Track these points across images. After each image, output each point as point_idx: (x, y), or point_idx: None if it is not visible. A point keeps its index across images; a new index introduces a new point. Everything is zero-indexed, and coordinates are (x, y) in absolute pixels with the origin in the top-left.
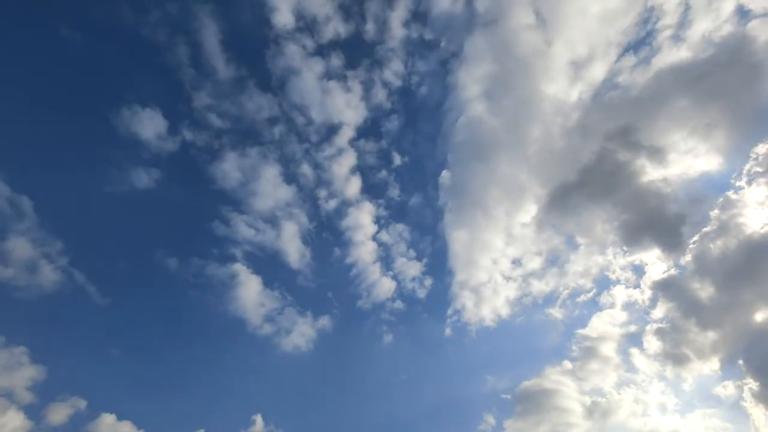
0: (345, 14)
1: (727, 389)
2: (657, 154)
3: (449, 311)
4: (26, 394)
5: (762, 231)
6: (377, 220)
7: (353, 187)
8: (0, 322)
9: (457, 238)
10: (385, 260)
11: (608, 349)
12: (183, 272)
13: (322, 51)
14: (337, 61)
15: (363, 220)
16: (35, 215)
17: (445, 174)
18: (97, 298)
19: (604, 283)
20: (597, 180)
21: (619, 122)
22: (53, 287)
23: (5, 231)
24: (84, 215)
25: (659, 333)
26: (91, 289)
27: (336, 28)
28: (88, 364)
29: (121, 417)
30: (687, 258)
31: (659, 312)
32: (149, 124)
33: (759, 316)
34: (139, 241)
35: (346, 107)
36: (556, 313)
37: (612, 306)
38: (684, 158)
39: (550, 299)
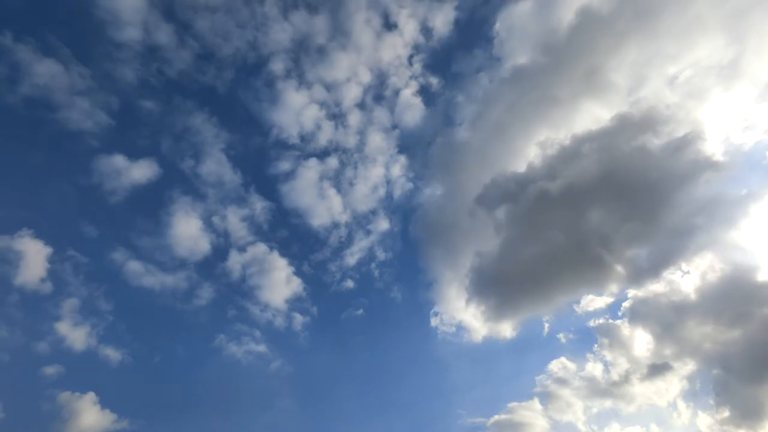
0: (333, 127)
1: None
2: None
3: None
4: None
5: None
6: (368, 313)
7: (348, 284)
8: (88, 382)
9: (438, 318)
10: (378, 349)
11: (568, 388)
12: (227, 354)
13: (315, 157)
14: (328, 166)
15: (357, 313)
16: (109, 307)
17: (423, 267)
18: (158, 367)
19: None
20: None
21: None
22: (124, 359)
23: (85, 316)
24: (142, 307)
25: (608, 369)
26: (156, 359)
27: (326, 137)
28: (152, 417)
29: None
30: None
31: (606, 352)
32: (181, 231)
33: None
34: (185, 327)
35: (339, 210)
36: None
37: (564, 352)
38: None
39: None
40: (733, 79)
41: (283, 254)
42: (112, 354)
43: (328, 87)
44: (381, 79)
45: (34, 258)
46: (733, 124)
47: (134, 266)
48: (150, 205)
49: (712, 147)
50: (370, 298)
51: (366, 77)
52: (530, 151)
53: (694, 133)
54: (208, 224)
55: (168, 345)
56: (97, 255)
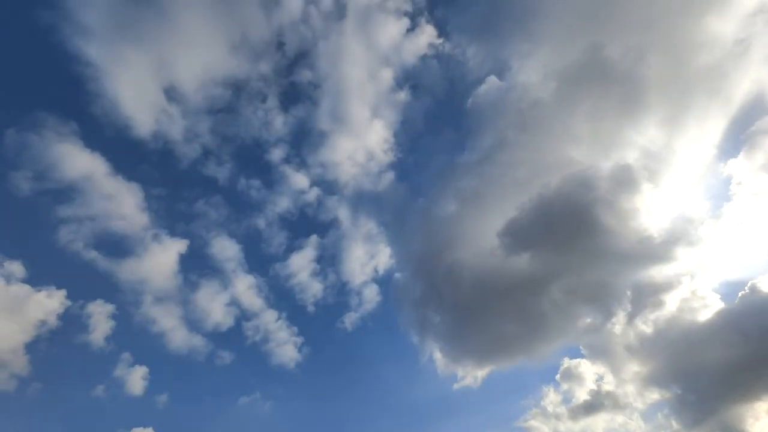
0: (324, 207)
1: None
2: None
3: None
4: None
5: None
6: (365, 373)
7: (345, 349)
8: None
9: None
10: (373, 398)
11: (542, 417)
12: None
13: (314, 234)
14: (325, 241)
15: (355, 375)
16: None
17: (408, 330)
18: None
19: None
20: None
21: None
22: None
23: (134, 363)
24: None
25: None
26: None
27: (315, 216)
28: None
29: None
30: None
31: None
32: (203, 300)
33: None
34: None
35: (335, 283)
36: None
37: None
38: None
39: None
40: (671, 161)
41: (291, 323)
42: (161, 399)
43: (324, 168)
44: (368, 160)
45: (100, 319)
46: (669, 205)
47: (169, 328)
48: (178, 279)
49: (652, 226)
50: (365, 359)
51: (360, 158)
52: (494, 223)
53: (637, 214)
54: (225, 297)
55: (198, 393)
56: (143, 319)
